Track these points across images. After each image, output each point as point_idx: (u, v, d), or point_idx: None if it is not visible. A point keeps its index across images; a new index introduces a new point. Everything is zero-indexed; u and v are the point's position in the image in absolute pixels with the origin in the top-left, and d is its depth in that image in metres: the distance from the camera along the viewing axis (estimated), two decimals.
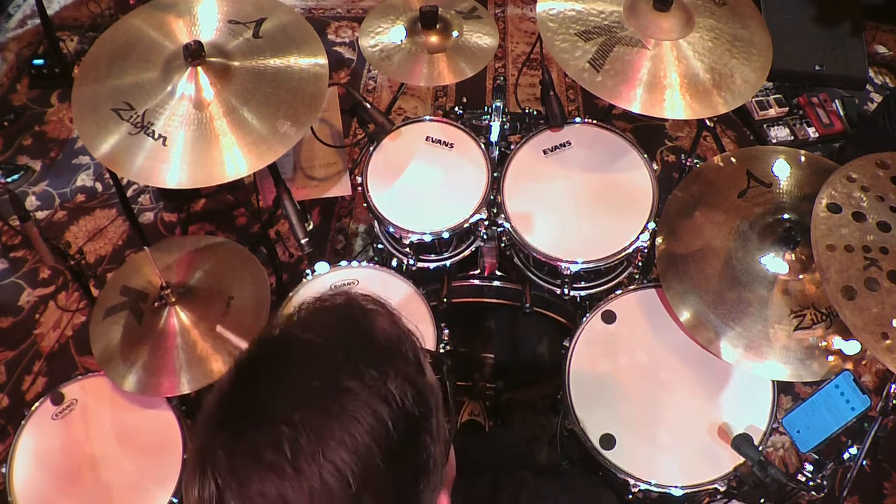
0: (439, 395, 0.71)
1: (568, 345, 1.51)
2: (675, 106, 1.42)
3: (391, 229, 1.66)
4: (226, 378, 0.67)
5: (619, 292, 1.58)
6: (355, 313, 0.71)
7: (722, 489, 1.35)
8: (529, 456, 1.73)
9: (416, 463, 0.65)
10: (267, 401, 0.62)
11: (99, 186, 2.78)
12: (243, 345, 1.39)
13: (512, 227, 1.62)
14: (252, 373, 0.66)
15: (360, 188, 1.70)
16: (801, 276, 1.35)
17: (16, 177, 2.79)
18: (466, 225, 1.64)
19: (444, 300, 1.71)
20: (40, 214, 2.69)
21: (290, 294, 1.61)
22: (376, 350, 0.67)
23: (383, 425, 0.61)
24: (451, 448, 0.76)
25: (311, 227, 1.60)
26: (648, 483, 1.33)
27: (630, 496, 1.36)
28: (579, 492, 1.05)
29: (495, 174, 1.69)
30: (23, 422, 1.47)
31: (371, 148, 1.77)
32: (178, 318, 1.47)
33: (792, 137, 2.82)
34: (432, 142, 1.77)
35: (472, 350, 1.91)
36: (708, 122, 1.88)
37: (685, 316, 1.40)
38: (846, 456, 1.28)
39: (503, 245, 1.73)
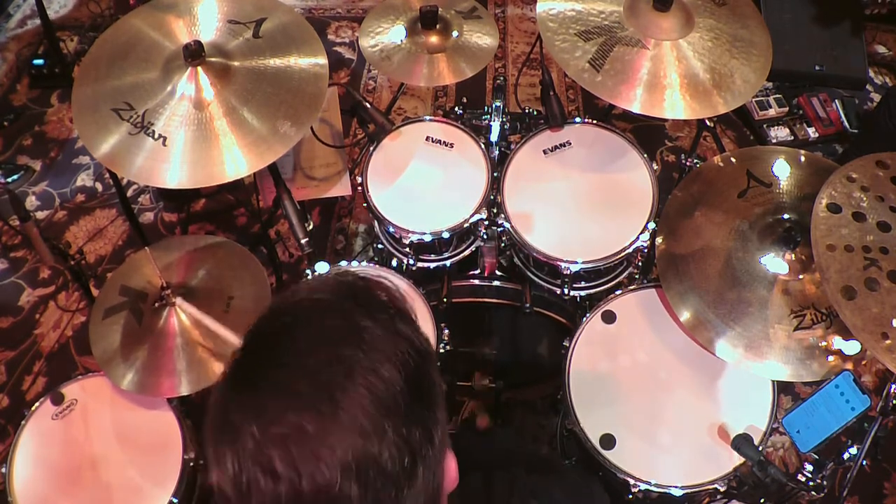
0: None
1: (568, 345, 1.51)
2: (675, 106, 1.42)
3: (391, 229, 1.66)
4: (241, 343, 0.68)
5: (619, 292, 1.58)
6: (357, 279, 0.74)
7: (722, 489, 1.35)
8: (528, 451, 1.73)
9: (431, 393, 0.68)
10: (290, 342, 0.65)
11: (99, 186, 2.78)
12: (236, 340, 1.39)
13: (512, 226, 1.62)
14: (269, 328, 0.69)
15: (360, 188, 1.70)
16: (801, 276, 1.35)
17: (16, 177, 2.79)
18: (466, 225, 1.64)
19: (444, 300, 1.71)
20: (40, 214, 2.68)
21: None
22: (381, 301, 0.71)
23: (401, 354, 0.65)
24: (453, 457, 0.76)
25: (311, 227, 1.59)
26: (648, 483, 1.33)
27: (630, 496, 1.37)
28: (571, 487, 1.06)
29: (495, 174, 1.69)
30: (23, 422, 1.47)
31: (371, 148, 1.77)
32: (178, 318, 1.47)
33: (792, 137, 2.82)
34: (432, 142, 1.77)
35: (472, 350, 1.91)
36: (708, 122, 1.88)
37: (685, 316, 1.40)
38: (846, 456, 1.28)
39: (503, 245, 1.73)
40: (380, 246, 1.84)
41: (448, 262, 1.74)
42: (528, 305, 1.70)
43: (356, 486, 0.59)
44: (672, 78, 1.44)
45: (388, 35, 1.76)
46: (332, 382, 0.61)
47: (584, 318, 1.55)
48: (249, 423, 0.60)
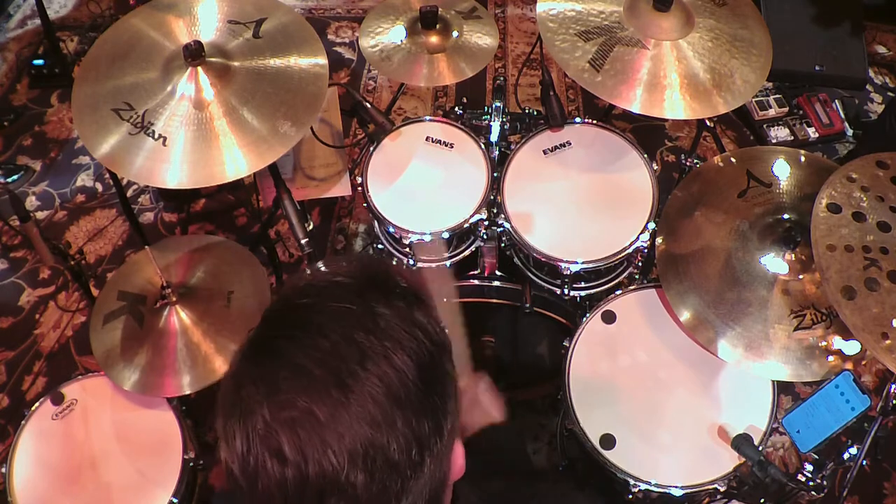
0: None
1: (568, 345, 1.51)
2: (675, 106, 1.42)
3: (391, 229, 1.66)
4: (257, 324, 0.68)
5: (619, 292, 1.58)
6: (379, 264, 0.74)
7: (722, 489, 1.35)
8: (527, 459, 1.73)
9: (444, 384, 0.67)
10: (305, 323, 0.65)
11: (99, 186, 2.78)
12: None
13: (512, 227, 1.62)
14: (285, 308, 0.69)
15: (360, 188, 1.70)
16: (801, 276, 1.35)
17: (16, 177, 2.79)
18: (466, 225, 1.64)
19: (445, 300, 1.71)
20: (40, 214, 2.68)
21: None
22: (400, 288, 0.70)
23: (415, 343, 0.64)
24: (461, 447, 0.75)
25: (311, 227, 1.59)
26: (648, 483, 1.33)
27: (630, 496, 1.37)
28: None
29: (495, 174, 1.69)
30: (23, 422, 1.47)
31: (371, 148, 1.77)
32: (179, 317, 1.47)
33: (792, 137, 2.82)
34: (432, 142, 1.77)
35: (473, 350, 1.90)
36: (708, 123, 1.88)
37: (685, 316, 1.40)
38: (846, 456, 1.28)
39: (503, 245, 1.73)
40: (380, 246, 1.84)
41: (448, 263, 1.74)
42: (528, 305, 1.70)
43: (362, 475, 0.59)
44: (672, 78, 1.44)
45: (388, 35, 1.76)
46: (345, 368, 0.61)
47: (584, 318, 1.55)
48: (261, 403, 0.61)
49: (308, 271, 0.74)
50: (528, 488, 1.01)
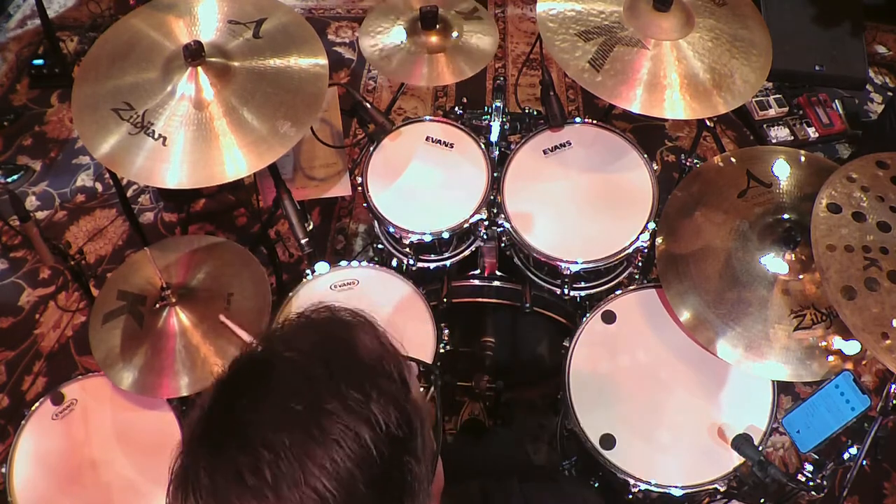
0: (425, 411, 0.70)
1: (568, 345, 1.51)
2: (675, 106, 1.42)
3: (391, 229, 1.66)
4: (208, 396, 0.67)
5: (619, 292, 1.58)
6: (338, 330, 0.70)
7: (722, 489, 1.35)
8: (525, 459, 1.73)
9: (401, 486, 0.64)
10: (249, 424, 0.62)
11: (99, 186, 2.78)
12: (246, 336, 1.39)
13: (512, 227, 1.62)
14: (234, 392, 0.66)
15: (360, 188, 1.70)
16: (801, 276, 1.35)
17: (16, 177, 2.79)
18: (466, 225, 1.64)
19: (444, 300, 1.71)
20: (40, 214, 2.68)
21: (290, 294, 1.61)
22: (359, 369, 0.66)
23: (366, 449, 0.61)
24: (438, 460, 0.75)
25: (311, 227, 1.60)
26: (648, 483, 1.33)
27: (630, 496, 1.37)
28: (566, 498, 1.05)
29: (495, 174, 1.69)
30: (23, 422, 1.47)
31: (371, 148, 1.77)
32: (179, 318, 1.47)
33: (792, 137, 2.82)
34: (432, 142, 1.77)
35: (472, 350, 1.91)
36: (708, 123, 1.88)
37: (685, 316, 1.40)
38: (846, 456, 1.28)
39: (503, 245, 1.73)
40: (380, 246, 1.84)
41: (448, 263, 1.74)
42: (528, 305, 1.70)
43: None
44: (672, 78, 1.44)
45: (388, 35, 1.76)
46: (284, 481, 0.59)
47: (584, 318, 1.55)
48: (199, 494, 0.61)
49: (269, 332, 0.70)
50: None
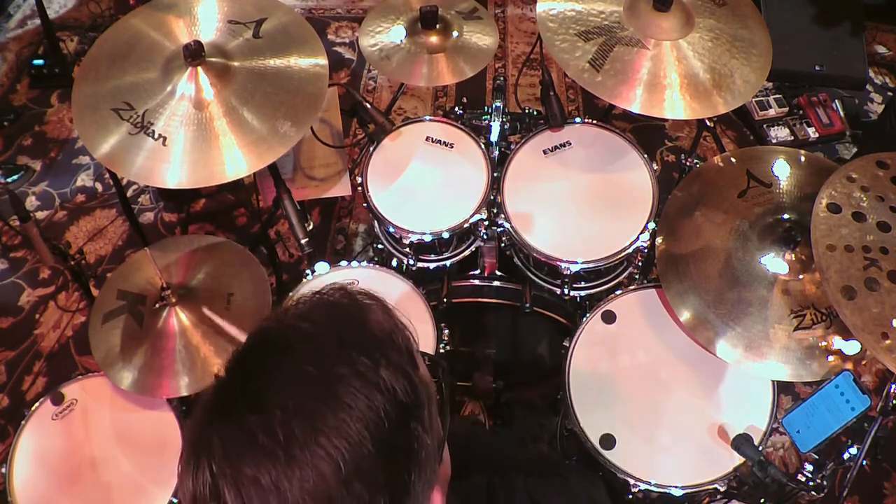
0: (432, 390, 0.72)
1: (568, 345, 1.51)
2: (675, 106, 1.42)
3: (391, 229, 1.66)
4: (223, 369, 0.68)
5: (619, 292, 1.58)
6: (350, 306, 0.72)
7: (722, 489, 1.35)
8: (529, 457, 1.73)
9: (408, 452, 0.65)
10: (261, 389, 0.63)
11: (99, 186, 2.78)
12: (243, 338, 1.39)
13: (512, 227, 1.62)
14: (248, 363, 0.68)
15: (360, 188, 1.70)
16: (801, 276, 1.35)
17: (16, 177, 2.79)
18: (466, 225, 1.64)
19: (444, 300, 1.71)
20: (40, 214, 2.69)
21: (290, 294, 1.61)
22: (369, 339, 0.68)
23: (375, 412, 0.62)
24: (446, 447, 0.76)
25: (311, 227, 1.59)
26: (648, 483, 1.33)
27: (630, 496, 1.37)
28: (572, 493, 1.06)
29: (495, 174, 1.69)
30: (23, 422, 1.47)
31: (371, 148, 1.77)
32: (178, 319, 1.47)
33: (792, 137, 2.82)
34: (432, 142, 1.77)
35: (473, 350, 1.91)
36: (708, 123, 1.88)
37: (685, 316, 1.40)
38: (846, 456, 1.28)
39: (503, 245, 1.73)
40: (380, 246, 1.84)
41: (448, 263, 1.74)
42: (527, 305, 1.70)
43: None
44: (672, 78, 1.44)
45: (388, 35, 1.76)
46: (295, 440, 0.60)
47: (584, 318, 1.55)
48: (212, 456, 0.61)
49: (282, 309, 0.72)
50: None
